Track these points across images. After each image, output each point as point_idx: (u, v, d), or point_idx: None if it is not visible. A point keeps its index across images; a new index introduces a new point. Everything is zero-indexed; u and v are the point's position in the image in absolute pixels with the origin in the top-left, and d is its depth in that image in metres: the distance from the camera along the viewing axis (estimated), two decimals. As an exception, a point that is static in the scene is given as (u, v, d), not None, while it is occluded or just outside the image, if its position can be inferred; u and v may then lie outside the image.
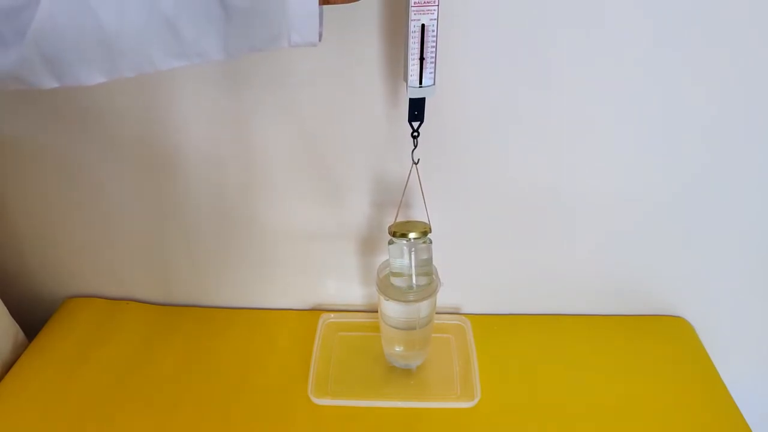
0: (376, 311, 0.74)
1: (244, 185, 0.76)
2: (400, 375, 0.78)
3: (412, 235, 0.66)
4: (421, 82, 0.57)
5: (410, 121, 0.61)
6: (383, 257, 0.78)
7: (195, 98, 0.68)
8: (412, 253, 0.68)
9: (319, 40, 0.50)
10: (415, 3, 0.53)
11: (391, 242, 0.68)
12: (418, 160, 0.65)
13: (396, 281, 0.69)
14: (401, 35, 0.60)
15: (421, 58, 0.56)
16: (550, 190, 0.74)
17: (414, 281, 0.68)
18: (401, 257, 0.68)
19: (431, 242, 0.69)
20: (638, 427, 0.71)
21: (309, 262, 0.83)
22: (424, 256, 0.68)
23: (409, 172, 0.65)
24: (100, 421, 0.71)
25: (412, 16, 0.53)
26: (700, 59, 0.63)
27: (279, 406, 0.73)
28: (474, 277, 0.83)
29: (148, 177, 0.76)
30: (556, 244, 0.79)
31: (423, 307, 0.70)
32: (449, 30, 0.58)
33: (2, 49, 0.43)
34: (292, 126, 0.70)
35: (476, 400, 0.72)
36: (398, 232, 0.67)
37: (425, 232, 0.67)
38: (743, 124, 0.67)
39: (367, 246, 0.81)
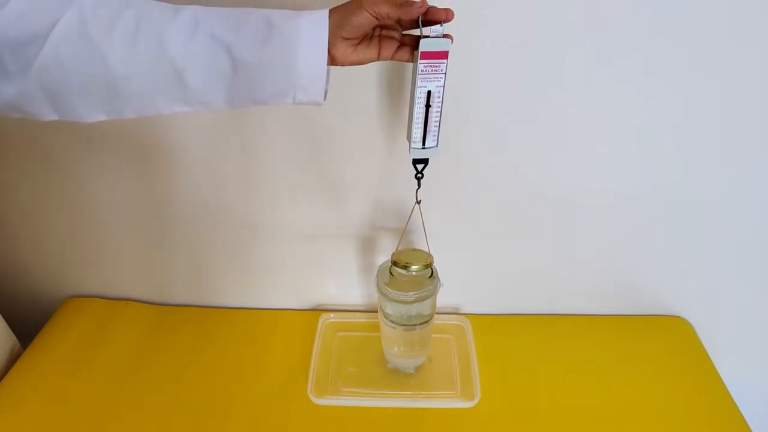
0: (376, 311, 0.74)
1: (245, 185, 0.75)
2: (400, 375, 0.77)
3: (414, 268, 0.66)
4: (424, 144, 0.56)
5: (415, 164, 0.59)
6: (383, 257, 0.78)
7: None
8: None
9: (324, 98, 0.49)
10: (422, 71, 0.51)
11: (393, 270, 0.68)
12: (421, 200, 0.63)
13: (393, 309, 0.69)
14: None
15: (426, 123, 0.54)
16: (550, 190, 0.74)
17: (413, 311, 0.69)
18: (400, 290, 0.68)
19: (432, 272, 0.69)
20: (638, 427, 0.71)
21: (309, 262, 0.83)
22: (426, 286, 0.68)
23: (411, 209, 0.65)
24: (100, 421, 0.71)
25: (419, 83, 0.51)
26: (707, 63, 0.63)
27: (279, 406, 0.73)
28: (474, 277, 0.83)
29: (148, 177, 0.76)
30: (557, 245, 0.79)
31: (423, 308, 0.70)
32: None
33: (5, 81, 0.43)
34: (292, 124, 0.70)
35: (476, 400, 0.72)
36: (400, 263, 0.67)
37: (427, 264, 0.67)
38: (744, 125, 0.67)
39: (367, 246, 0.81)
